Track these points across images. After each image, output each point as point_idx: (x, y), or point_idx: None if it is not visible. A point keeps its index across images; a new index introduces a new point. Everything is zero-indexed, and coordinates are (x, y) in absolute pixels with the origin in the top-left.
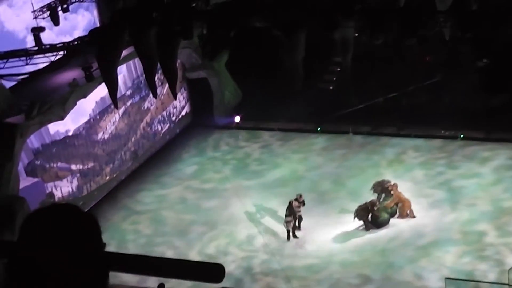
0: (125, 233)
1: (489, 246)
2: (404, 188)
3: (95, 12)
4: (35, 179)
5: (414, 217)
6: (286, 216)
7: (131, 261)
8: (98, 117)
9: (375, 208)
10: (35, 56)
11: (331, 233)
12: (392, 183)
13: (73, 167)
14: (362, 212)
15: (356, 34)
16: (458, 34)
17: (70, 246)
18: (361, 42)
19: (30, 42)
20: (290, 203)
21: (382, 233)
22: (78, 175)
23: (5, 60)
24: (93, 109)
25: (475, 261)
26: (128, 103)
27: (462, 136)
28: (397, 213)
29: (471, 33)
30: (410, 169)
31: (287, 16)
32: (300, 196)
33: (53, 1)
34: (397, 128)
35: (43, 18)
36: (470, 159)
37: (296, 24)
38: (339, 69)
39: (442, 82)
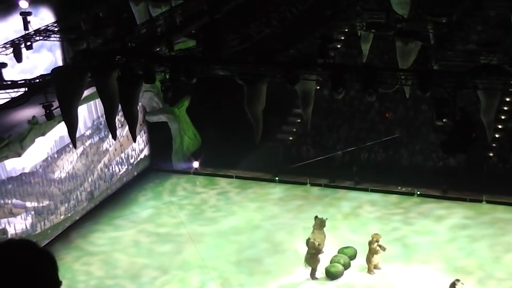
0: (77, 274)
1: None
2: (359, 242)
3: (58, 53)
4: None
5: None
6: None
7: None
8: (55, 155)
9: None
10: None
11: (283, 283)
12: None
13: (28, 204)
14: (309, 259)
15: (318, 87)
16: (418, 92)
17: (25, 282)
18: (322, 95)
19: None
20: None
21: (333, 286)
22: (33, 212)
23: None
24: (51, 148)
25: None
26: (87, 143)
27: (418, 193)
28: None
29: (431, 92)
30: (366, 223)
31: (250, 67)
32: None
33: (17, 38)
34: (355, 182)
35: (6, 55)
36: (426, 217)
37: (259, 75)
38: (299, 121)
39: (401, 139)
